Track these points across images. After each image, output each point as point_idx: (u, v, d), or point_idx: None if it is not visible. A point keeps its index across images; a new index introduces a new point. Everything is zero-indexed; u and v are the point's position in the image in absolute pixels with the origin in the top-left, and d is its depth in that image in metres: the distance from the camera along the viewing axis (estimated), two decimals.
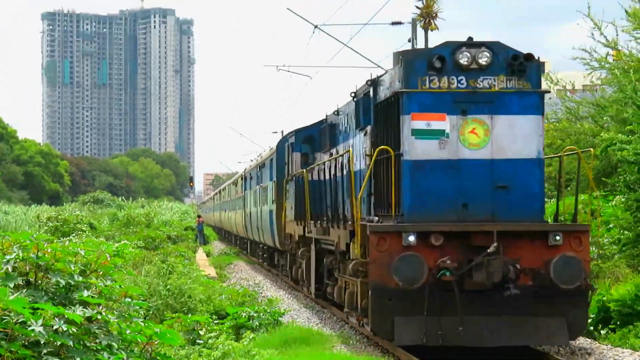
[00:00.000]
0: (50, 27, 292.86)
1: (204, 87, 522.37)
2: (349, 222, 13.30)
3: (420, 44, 28.57)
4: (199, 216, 58.54)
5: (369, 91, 14.03)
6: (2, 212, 50.75)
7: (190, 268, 23.13)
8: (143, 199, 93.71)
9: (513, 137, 11.86)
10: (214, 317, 15.49)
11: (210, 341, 12.22)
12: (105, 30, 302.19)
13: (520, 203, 11.82)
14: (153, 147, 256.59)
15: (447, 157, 11.84)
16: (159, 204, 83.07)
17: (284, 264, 25.32)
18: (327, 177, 15.71)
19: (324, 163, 16.42)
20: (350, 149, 13.77)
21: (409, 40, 29.45)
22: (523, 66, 11.77)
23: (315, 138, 20.19)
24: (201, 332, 12.82)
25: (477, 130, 11.85)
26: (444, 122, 11.84)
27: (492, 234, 11.25)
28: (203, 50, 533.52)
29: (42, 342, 5.63)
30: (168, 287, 16.41)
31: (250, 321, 15.25)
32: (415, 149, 11.83)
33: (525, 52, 12.05)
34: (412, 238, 11.33)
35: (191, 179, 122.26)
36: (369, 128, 13.75)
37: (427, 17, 29.66)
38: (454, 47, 11.86)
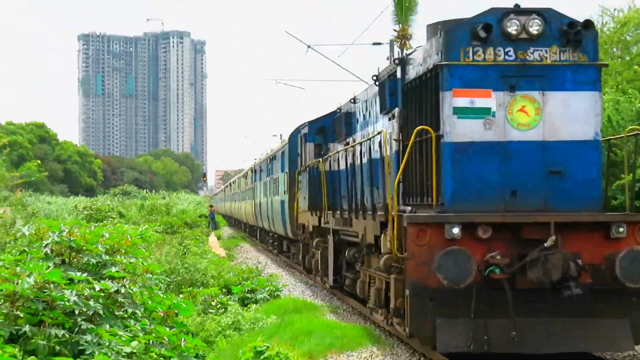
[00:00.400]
0: (85, 46, 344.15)
1: (214, 97, 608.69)
2: (379, 213, 11.83)
3: None
4: (211, 206, 65.81)
5: (395, 71, 12.54)
6: (46, 202, 56.65)
7: (204, 249, 26.99)
8: (164, 191, 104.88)
9: (567, 116, 10.25)
10: (224, 290, 17.77)
11: (221, 310, 14.74)
12: (131, 49, 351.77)
13: (576, 190, 10.21)
14: (172, 148, 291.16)
15: (494, 139, 10.24)
16: (177, 195, 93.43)
17: (296, 253, 25.01)
18: (348, 165, 14.25)
19: (345, 150, 14.93)
20: (384, 129, 12.20)
21: (387, 59, 31.03)
22: (579, 35, 10.21)
23: (328, 129, 18.99)
24: (213, 303, 15.22)
25: (527, 109, 10.33)
26: (490, 100, 10.30)
27: (546, 226, 9.75)
28: (214, 66, 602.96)
29: (77, 312, 6.71)
30: (185, 265, 18.59)
31: (253, 294, 17.35)
32: (458, 130, 10.22)
33: None
34: (456, 230, 9.77)
35: (204, 175, 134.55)
36: (396, 111, 12.24)
37: (402, 39, 33.15)
38: (500, 14, 10.30)
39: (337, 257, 16.41)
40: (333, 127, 18.16)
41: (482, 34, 10.19)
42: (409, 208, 11.31)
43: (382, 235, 11.27)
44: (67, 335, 6.62)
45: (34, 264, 7.01)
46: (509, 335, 9.60)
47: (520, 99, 10.28)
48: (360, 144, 13.73)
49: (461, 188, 10.26)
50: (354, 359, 11.42)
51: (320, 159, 17.13)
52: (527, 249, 9.72)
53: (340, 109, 17.48)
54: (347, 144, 15.55)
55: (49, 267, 7.03)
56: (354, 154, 13.91)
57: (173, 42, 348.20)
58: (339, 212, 15.06)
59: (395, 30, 32.90)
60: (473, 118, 10.28)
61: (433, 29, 11.31)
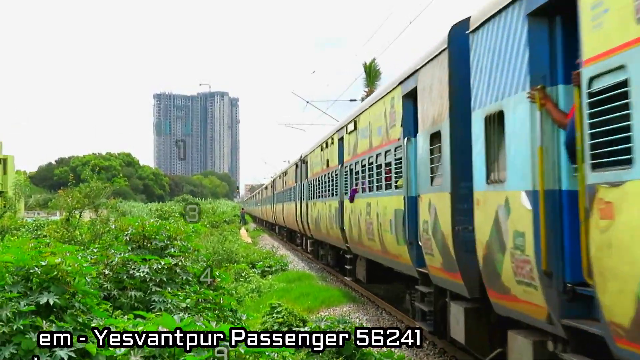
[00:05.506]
0: (158, 101, 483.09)
1: (245, 135, 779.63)
2: None
3: None
4: (242, 208, 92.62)
5: None
6: (131, 206, 71.90)
7: (236, 237, 36.31)
8: (210, 199, 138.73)
9: None
10: (250, 265, 23.63)
11: (248, 279, 19.39)
12: (189, 104, 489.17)
13: None
14: (216, 169, 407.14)
15: None
16: (219, 202, 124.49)
17: None
18: None
19: None
20: None
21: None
22: None
23: None
24: (242, 274, 19.91)
25: None
26: None
27: None
28: (244, 114, 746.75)
29: (148, 279, 8.29)
30: (224, 248, 24.83)
31: (270, 268, 23.39)
32: None
33: None
34: None
35: (237, 188, 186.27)
36: None
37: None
38: None
39: None
40: None
41: None
42: None
43: None
44: (142, 296, 8.11)
45: (122, 248, 8.99)
46: None
47: None
48: None
49: None
50: (338, 312, 14.65)
51: None
52: None
53: None
54: None
55: (129, 250, 8.97)
56: None
57: (217, 99, 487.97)
58: None
59: (365, 90, 44.64)
60: None
61: None
